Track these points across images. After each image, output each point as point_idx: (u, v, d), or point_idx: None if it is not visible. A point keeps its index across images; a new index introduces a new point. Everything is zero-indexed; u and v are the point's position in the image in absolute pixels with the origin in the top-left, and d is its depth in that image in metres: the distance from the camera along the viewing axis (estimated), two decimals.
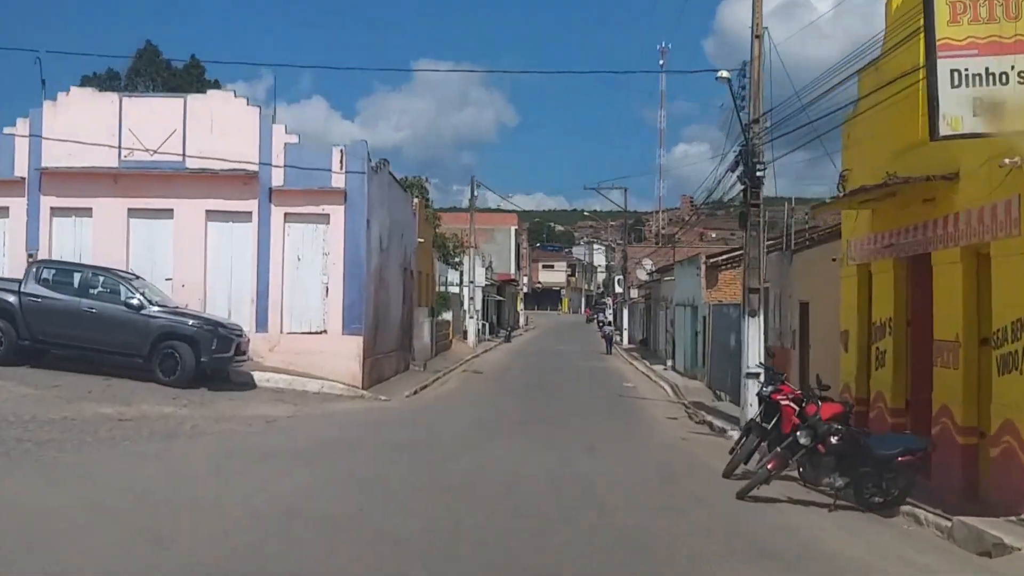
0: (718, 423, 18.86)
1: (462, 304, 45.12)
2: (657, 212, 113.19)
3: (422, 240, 30.49)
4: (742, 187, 18.22)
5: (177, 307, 18.21)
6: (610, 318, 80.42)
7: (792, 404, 11.35)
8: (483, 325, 53.27)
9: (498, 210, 64.59)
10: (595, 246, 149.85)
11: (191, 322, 17.10)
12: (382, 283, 22.76)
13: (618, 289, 71.56)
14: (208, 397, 16.32)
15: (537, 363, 36.47)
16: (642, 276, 47.83)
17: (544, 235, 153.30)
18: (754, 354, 17.98)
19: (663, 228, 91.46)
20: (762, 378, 13.34)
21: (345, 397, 19.00)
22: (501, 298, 61.57)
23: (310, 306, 20.33)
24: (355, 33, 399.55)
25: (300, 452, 11.36)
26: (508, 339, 53.88)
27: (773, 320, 18.75)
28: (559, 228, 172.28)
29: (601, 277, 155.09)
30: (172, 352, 16.71)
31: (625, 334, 52.90)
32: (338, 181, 20.20)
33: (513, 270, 64.84)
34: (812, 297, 16.61)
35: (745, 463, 11.42)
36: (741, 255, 28.61)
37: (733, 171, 18.95)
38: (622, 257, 55.04)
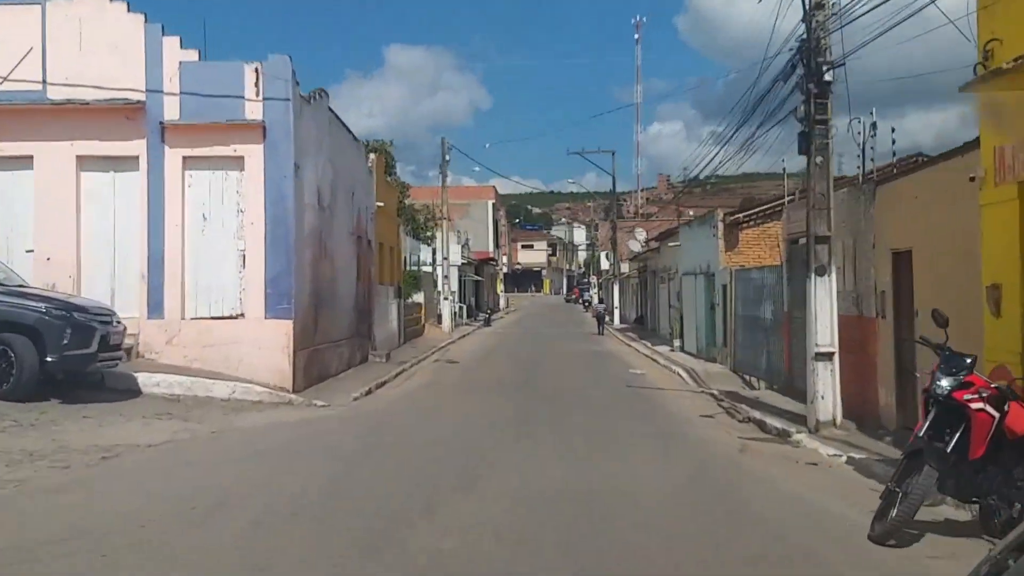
0: (772, 421, 14.01)
1: (436, 284, 40.05)
2: (635, 191, 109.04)
3: (382, 204, 25.35)
4: (802, 98, 13.31)
5: (23, 287, 13.03)
6: (593, 296, 75.88)
7: (989, 409, 6.47)
8: (460, 308, 48.29)
9: (478, 191, 59.66)
10: (575, 225, 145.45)
11: (33, 306, 11.94)
12: (324, 252, 17.65)
13: (604, 265, 66.82)
14: (54, 414, 11.20)
15: (523, 349, 31.53)
16: (634, 248, 42.92)
17: (521, 217, 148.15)
18: (825, 326, 13.13)
19: (641, 207, 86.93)
20: (934, 367, 7.63)
21: (265, 404, 13.93)
22: (479, 278, 56.60)
23: (221, 282, 15.21)
24: (324, 18, 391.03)
25: (87, 531, 6.20)
26: (488, 322, 48.95)
27: (843, 281, 13.89)
28: (536, 211, 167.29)
29: (583, 256, 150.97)
30: (3, 350, 11.57)
31: (616, 313, 48.04)
32: (254, 111, 15.05)
33: (491, 248, 59.86)
34: (916, 243, 11.74)
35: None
36: (766, 210, 23.83)
37: (785, 79, 14.02)
38: (611, 228, 50.07)
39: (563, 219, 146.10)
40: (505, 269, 73.76)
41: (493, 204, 59.39)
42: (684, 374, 22.24)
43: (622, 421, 14.12)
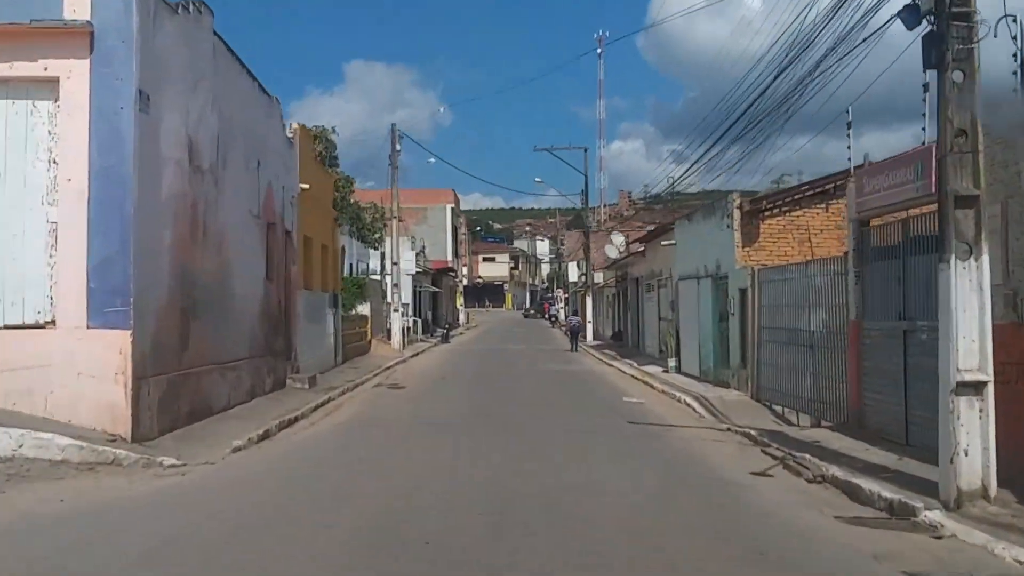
0: (872, 486, 9.08)
1: (385, 295, 34.74)
2: (599, 206, 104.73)
3: (307, 187, 20.06)
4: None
5: None
6: (560, 311, 70.96)
7: None
8: (414, 322, 42.98)
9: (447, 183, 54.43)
10: (538, 238, 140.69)
11: None
12: (202, 234, 12.34)
13: (573, 277, 62.08)
14: None
15: (486, 369, 26.40)
16: (611, 254, 38.04)
17: (481, 232, 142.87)
18: (971, 340, 8.30)
19: (604, 223, 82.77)
20: None
21: (71, 467, 8.62)
22: (437, 289, 51.33)
23: (20, 271, 9.86)
24: (286, 34, 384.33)
25: None
26: (446, 338, 43.73)
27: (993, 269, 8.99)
28: (498, 226, 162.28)
29: (546, 271, 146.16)
30: None
31: (589, 328, 43.05)
32: (77, 10, 9.78)
33: (450, 257, 54.67)
34: None
35: None
36: (794, 193, 19.03)
37: None
38: (583, 234, 45.14)
39: (526, 231, 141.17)
40: (465, 282, 68.57)
41: (452, 209, 54.18)
42: (694, 404, 17.24)
43: (644, 493, 9.02)
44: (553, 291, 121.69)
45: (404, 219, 48.10)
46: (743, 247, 18.55)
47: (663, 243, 24.34)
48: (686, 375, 22.27)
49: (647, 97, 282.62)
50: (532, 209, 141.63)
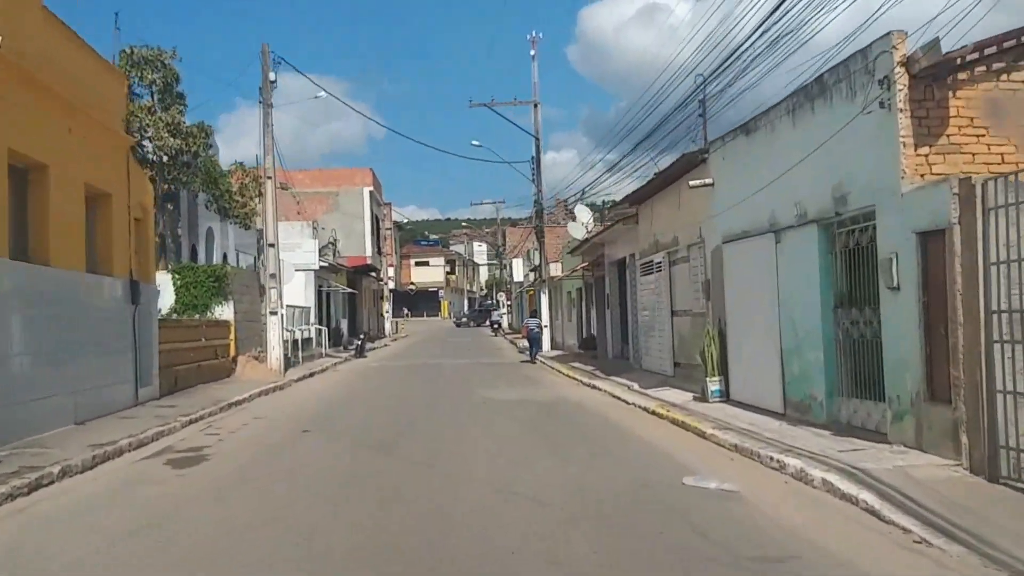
0: None
1: (264, 293, 24.18)
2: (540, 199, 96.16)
3: None
4: None
5: None
6: (503, 318, 60.78)
7: None
8: (317, 332, 32.50)
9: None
10: (476, 244, 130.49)
11: None
12: None
13: (518, 276, 52.31)
14: None
15: (402, 401, 16.37)
16: (577, 234, 28.22)
17: (415, 236, 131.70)
18: None
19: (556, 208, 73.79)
20: None
21: None
22: (351, 291, 40.81)
23: None
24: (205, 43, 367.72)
25: None
26: (361, 352, 33.40)
27: None
28: (433, 236, 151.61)
29: (485, 276, 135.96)
30: None
31: (546, 333, 33.02)
32: None
33: (370, 252, 44.03)
34: None
35: None
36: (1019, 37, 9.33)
37: None
38: (535, 215, 35.13)
39: (463, 237, 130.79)
40: (391, 285, 58.07)
41: (372, 194, 43.52)
42: (868, 499, 7.25)
43: None
44: (494, 296, 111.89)
45: (305, 203, 37.70)
46: (915, 147, 8.78)
47: (692, 183, 14.41)
48: (747, 407, 12.44)
49: (579, 107, 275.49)
50: (469, 219, 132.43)
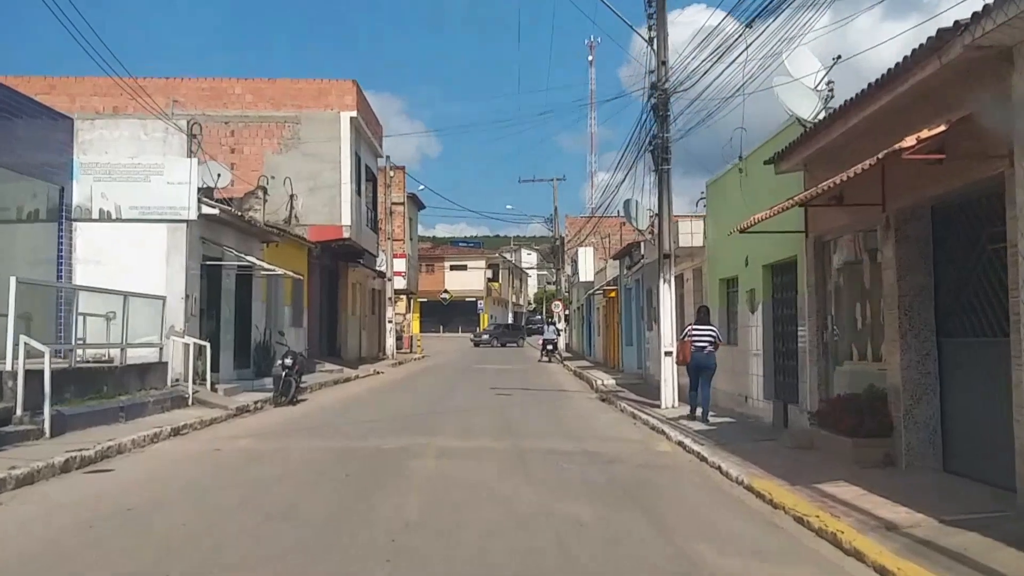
0: None
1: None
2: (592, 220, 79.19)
3: None
4: None
5: None
6: (559, 337, 42.86)
7: None
8: (188, 350, 15.39)
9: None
10: (525, 251, 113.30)
11: None
12: None
13: (586, 274, 34.81)
14: None
15: None
16: (802, 111, 10.43)
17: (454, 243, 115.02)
18: None
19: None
20: None
21: None
22: (298, 276, 23.52)
23: None
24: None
25: None
26: (286, 394, 16.51)
27: None
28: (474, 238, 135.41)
29: (533, 290, 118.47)
30: None
31: (670, 383, 15.15)
32: None
33: (349, 220, 26.17)
34: None
35: None
36: None
37: None
38: (655, 113, 17.39)
39: (511, 246, 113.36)
40: (400, 283, 40.59)
41: (354, 123, 25.90)
42: None
43: None
44: (543, 312, 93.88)
45: (236, 134, 20.94)
46: None
47: None
48: None
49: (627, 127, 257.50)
50: (517, 236, 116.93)
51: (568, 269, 47.95)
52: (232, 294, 19.06)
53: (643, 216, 17.64)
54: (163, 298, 15.58)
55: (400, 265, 40.55)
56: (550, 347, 36.94)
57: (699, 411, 13.24)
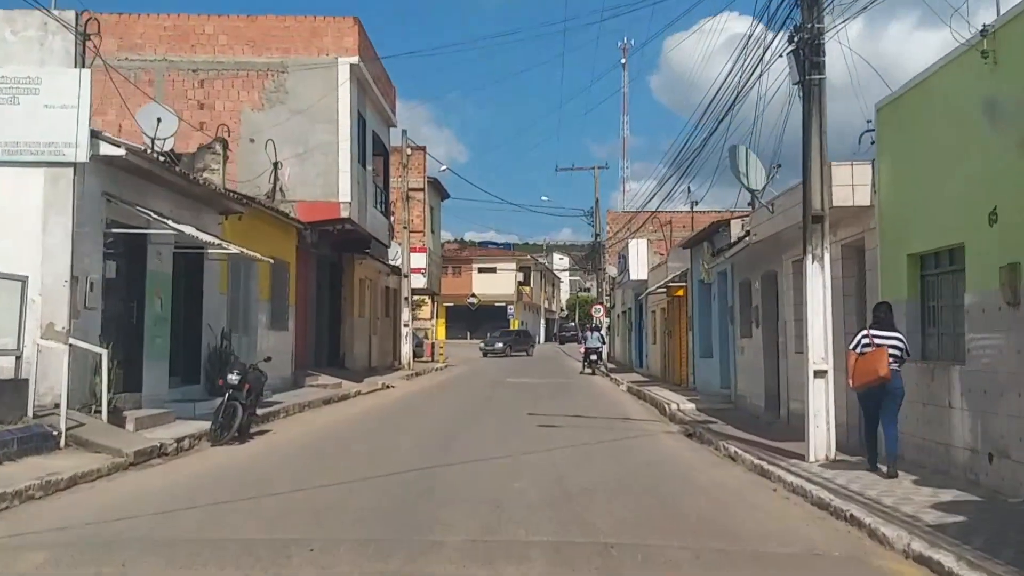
0: None
1: None
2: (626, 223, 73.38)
3: None
4: None
5: None
6: (603, 346, 36.80)
7: None
8: (92, 360, 9.83)
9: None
10: (557, 255, 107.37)
11: None
12: None
13: (637, 272, 29.12)
14: None
15: None
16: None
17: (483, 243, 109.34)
18: None
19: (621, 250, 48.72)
20: None
21: None
22: (269, 259, 18.04)
23: None
24: None
25: None
26: (233, 430, 11.09)
27: None
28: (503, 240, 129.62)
29: (565, 296, 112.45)
30: None
31: (816, 387, 9.48)
32: None
33: (349, 197, 20.70)
34: None
35: None
36: None
37: None
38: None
39: (542, 250, 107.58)
40: (419, 281, 35.04)
41: (355, 68, 20.48)
42: None
43: None
44: (576, 318, 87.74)
45: (205, 84, 15.64)
46: None
47: None
48: None
49: (661, 139, 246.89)
50: (549, 243, 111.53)
51: (611, 269, 42.02)
52: (168, 281, 13.54)
53: (756, 170, 11.84)
54: (23, 279, 10.04)
55: (419, 260, 34.93)
56: (594, 357, 31.12)
57: (880, 463, 8.46)
